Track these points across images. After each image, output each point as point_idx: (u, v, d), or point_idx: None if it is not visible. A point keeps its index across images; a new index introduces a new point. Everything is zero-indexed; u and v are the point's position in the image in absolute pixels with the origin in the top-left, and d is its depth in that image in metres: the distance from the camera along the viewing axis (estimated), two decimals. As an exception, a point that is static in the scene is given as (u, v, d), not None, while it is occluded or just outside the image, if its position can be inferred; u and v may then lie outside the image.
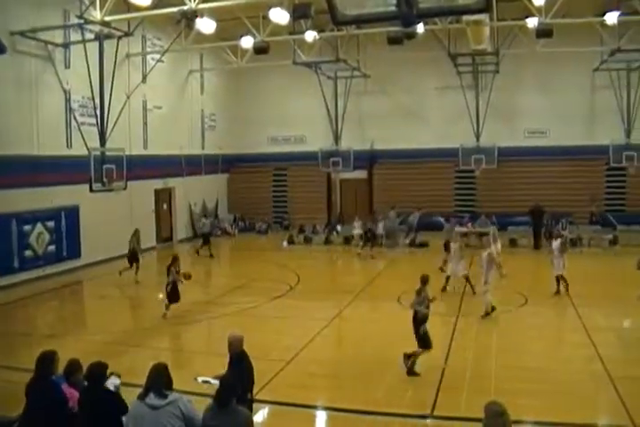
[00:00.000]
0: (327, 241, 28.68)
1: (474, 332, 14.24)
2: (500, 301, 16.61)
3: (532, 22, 21.92)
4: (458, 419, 9.08)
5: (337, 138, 33.45)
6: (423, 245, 26.71)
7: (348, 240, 27.89)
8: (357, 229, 27.45)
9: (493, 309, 15.02)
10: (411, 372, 11.16)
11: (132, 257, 20.47)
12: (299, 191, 33.94)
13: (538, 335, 13.81)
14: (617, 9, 21.67)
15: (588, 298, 16.39)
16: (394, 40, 22.90)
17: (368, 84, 32.66)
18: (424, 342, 11.28)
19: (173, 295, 15.55)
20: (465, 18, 21.01)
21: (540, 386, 10.53)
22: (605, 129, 30.30)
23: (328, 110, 32.93)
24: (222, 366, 7.54)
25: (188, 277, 15.92)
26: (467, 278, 17.49)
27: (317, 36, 24.05)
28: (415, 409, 9.68)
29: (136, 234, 21.13)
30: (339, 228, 30.57)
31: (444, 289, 17.43)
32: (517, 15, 23.13)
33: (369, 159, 33.25)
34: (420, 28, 21.90)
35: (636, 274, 18.54)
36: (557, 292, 16.89)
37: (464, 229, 26.81)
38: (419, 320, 11.32)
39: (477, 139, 31.20)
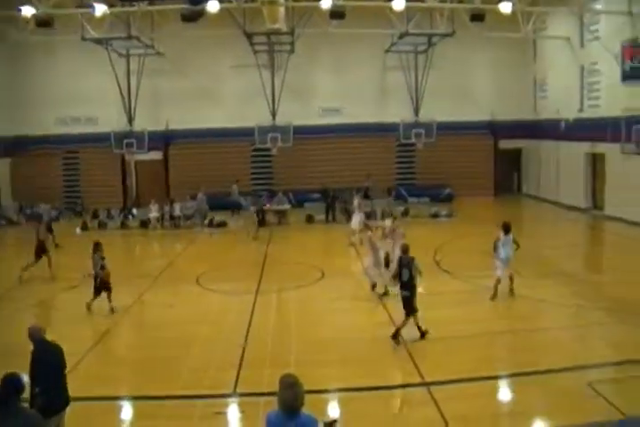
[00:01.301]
0: (123, 225, 27.62)
1: (272, 308, 14.47)
2: (298, 276, 17.10)
3: (325, 4, 22.58)
4: (260, 394, 9.13)
5: (130, 118, 32.15)
6: (222, 224, 26.63)
7: (144, 224, 27.06)
8: (154, 213, 26.78)
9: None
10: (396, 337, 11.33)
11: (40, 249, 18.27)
12: (92, 175, 32.28)
13: (333, 307, 14.26)
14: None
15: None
16: (187, 18, 22.63)
17: (163, 63, 31.58)
18: (413, 307, 11.51)
19: (104, 286, 14.12)
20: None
21: (337, 355, 11.02)
22: (396, 107, 32.16)
23: (120, 89, 31.41)
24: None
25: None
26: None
27: (107, 11, 22.96)
28: (218, 389, 9.66)
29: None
30: (135, 211, 29.57)
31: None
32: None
33: (164, 140, 32.47)
34: (215, 6, 21.75)
35: (426, 241, 20.01)
36: None
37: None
38: (415, 287, 11.64)
39: (273, 117, 31.42)
